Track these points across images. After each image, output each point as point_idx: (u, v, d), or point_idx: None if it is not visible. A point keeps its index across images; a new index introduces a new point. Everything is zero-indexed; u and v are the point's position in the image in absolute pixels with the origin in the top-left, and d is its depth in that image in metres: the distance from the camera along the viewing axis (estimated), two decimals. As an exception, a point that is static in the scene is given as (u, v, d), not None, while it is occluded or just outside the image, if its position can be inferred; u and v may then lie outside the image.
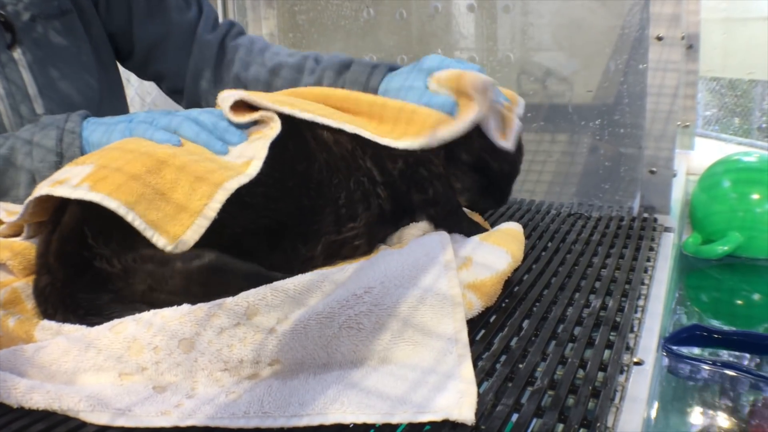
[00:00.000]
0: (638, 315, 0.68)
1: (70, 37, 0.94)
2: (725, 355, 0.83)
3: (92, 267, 0.62)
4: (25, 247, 0.70)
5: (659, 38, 0.90)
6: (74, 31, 0.95)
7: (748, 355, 0.83)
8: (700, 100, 1.73)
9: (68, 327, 0.61)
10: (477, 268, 0.64)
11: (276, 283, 0.59)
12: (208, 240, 0.63)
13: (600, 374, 0.56)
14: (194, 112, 0.76)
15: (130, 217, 0.60)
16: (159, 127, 0.73)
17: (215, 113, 0.76)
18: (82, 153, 0.76)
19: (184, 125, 0.72)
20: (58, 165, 0.75)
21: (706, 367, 0.79)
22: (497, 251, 0.66)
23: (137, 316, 0.57)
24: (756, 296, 1.04)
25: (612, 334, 0.63)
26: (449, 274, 0.60)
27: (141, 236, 0.61)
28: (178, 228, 0.62)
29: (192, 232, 0.62)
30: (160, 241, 0.61)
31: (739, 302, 1.05)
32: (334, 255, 0.77)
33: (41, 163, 0.76)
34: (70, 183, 0.63)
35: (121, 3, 1.02)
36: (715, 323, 0.91)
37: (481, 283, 0.63)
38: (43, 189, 0.64)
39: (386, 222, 0.80)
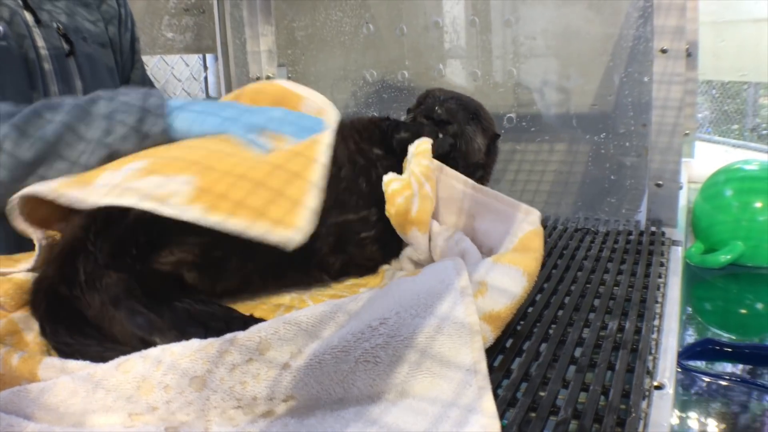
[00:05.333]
0: (654, 336, 0.67)
1: (107, 68, 1.03)
2: (737, 368, 0.83)
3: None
4: (18, 284, 0.69)
5: (663, 51, 0.90)
6: (109, 62, 1.04)
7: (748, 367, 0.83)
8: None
9: (72, 364, 0.59)
10: (492, 295, 0.62)
11: (287, 316, 0.58)
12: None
13: (623, 401, 0.55)
14: (277, 112, 0.83)
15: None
16: (248, 127, 0.78)
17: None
18: (165, 134, 0.78)
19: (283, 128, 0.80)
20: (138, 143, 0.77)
21: (718, 381, 0.79)
22: (512, 272, 0.64)
23: (144, 352, 0.55)
24: (759, 305, 1.04)
25: (631, 356, 0.61)
26: (465, 301, 0.59)
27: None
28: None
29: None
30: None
31: (744, 312, 1.04)
32: (341, 246, 0.80)
33: (122, 142, 0.76)
34: (172, 201, 0.65)
35: (128, 56, 1.11)
36: (723, 334, 0.91)
37: (497, 315, 0.61)
38: (146, 204, 0.65)
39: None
